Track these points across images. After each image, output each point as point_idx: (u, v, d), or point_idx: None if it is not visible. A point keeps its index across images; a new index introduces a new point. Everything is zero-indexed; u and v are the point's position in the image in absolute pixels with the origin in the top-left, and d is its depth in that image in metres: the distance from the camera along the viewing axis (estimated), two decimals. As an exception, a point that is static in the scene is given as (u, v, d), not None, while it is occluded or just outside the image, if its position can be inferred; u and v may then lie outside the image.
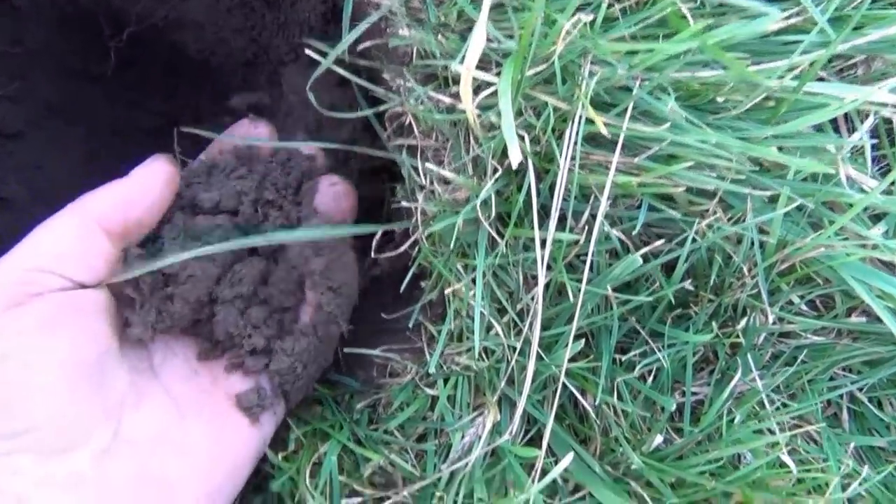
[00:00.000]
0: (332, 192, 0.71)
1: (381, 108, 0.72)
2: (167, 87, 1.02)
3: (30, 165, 0.93)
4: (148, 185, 0.54)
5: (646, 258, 0.65)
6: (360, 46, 0.75)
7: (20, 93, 0.92)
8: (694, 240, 0.64)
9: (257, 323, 0.65)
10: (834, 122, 0.71)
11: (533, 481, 0.62)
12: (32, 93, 0.94)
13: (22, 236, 0.89)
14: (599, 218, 0.61)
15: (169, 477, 0.50)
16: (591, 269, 0.65)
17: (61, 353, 0.47)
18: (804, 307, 0.70)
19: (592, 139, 0.66)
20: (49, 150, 0.95)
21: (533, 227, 0.62)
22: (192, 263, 0.60)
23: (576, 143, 0.62)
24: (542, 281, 0.61)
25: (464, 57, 0.57)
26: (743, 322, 0.69)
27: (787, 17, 0.64)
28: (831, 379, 0.73)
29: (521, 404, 0.62)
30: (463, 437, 0.68)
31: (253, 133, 0.71)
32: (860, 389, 0.73)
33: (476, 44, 0.56)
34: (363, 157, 0.89)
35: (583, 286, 0.62)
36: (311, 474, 0.71)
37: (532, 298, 0.66)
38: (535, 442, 0.70)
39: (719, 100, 0.65)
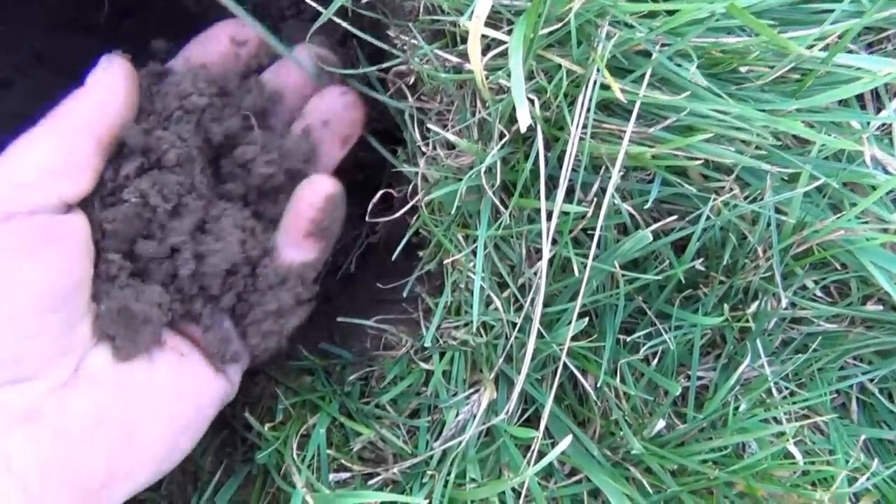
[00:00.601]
0: (342, 102, 0.67)
1: (385, 65, 0.68)
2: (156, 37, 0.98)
3: (16, 115, 0.89)
4: (114, 86, 0.50)
5: (656, 235, 0.62)
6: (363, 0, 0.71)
7: (7, 39, 0.89)
8: (708, 217, 0.61)
9: (216, 271, 0.59)
10: (860, 99, 0.67)
11: (528, 463, 0.59)
12: (20, 40, 0.90)
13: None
14: (610, 190, 0.58)
15: (130, 416, 0.48)
16: (598, 244, 0.62)
17: (32, 281, 0.44)
18: (818, 293, 0.67)
19: (606, 107, 0.62)
20: (37, 100, 0.91)
21: (539, 198, 0.58)
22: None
23: (589, 109, 0.58)
24: (546, 254, 0.58)
25: (472, 11, 0.53)
26: (754, 306, 0.66)
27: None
28: (842, 368, 0.70)
29: (520, 383, 0.60)
30: (457, 414, 0.65)
31: (240, 35, 0.65)
32: (871, 380, 0.71)
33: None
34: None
35: (589, 262, 0.59)
36: (298, 447, 0.68)
37: (535, 273, 0.62)
38: (531, 423, 0.67)
39: (742, 70, 0.61)
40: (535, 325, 0.59)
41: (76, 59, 0.94)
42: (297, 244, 0.60)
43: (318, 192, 0.58)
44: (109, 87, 0.52)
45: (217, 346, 0.58)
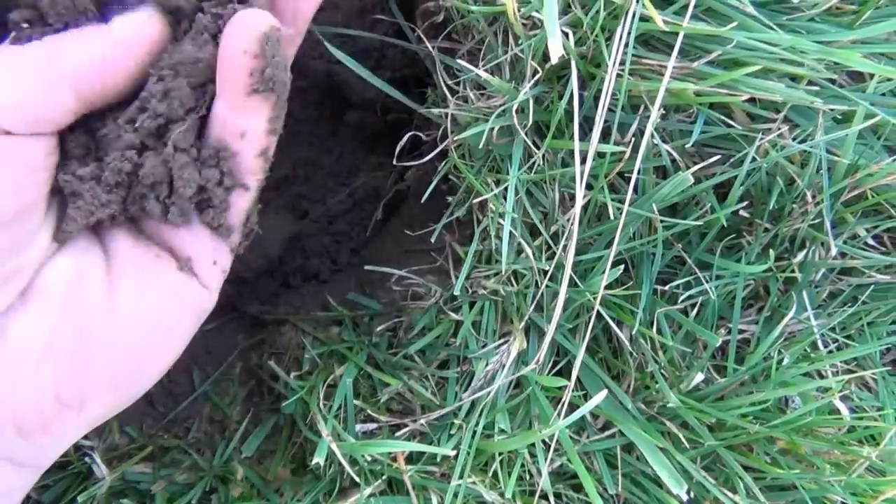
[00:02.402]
0: None
1: None
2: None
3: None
4: (132, 46, 0.44)
5: (697, 179, 0.58)
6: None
7: None
8: (753, 159, 0.57)
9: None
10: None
11: (559, 415, 0.57)
12: None
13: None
14: (649, 129, 0.55)
15: (83, 340, 0.44)
16: (635, 189, 0.59)
17: None
18: (870, 241, 0.63)
19: (646, 42, 0.58)
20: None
21: (573, 139, 0.55)
22: None
23: (627, 44, 0.55)
24: (579, 199, 0.55)
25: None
26: (801, 255, 0.62)
27: None
28: (894, 322, 0.66)
29: (550, 332, 0.57)
30: (487, 365, 0.63)
31: None
32: (925, 335, 0.67)
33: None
34: (393, 64, 0.83)
35: (625, 206, 0.56)
36: (325, 397, 0.67)
37: (568, 219, 0.60)
38: (563, 374, 0.65)
39: (794, 0, 0.57)
40: (567, 272, 0.57)
41: None
42: (241, 107, 0.47)
43: (249, 32, 0.44)
44: (127, 46, 0.46)
45: (191, 245, 0.50)
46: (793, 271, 0.63)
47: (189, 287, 0.48)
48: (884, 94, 0.58)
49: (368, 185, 0.84)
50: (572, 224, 0.57)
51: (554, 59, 0.49)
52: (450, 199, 0.68)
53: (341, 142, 0.90)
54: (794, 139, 0.59)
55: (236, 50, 0.44)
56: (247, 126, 0.47)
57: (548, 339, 0.57)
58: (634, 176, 0.56)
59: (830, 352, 0.64)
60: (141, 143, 0.45)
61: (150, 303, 0.47)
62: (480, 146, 0.62)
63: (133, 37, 0.43)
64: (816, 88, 0.55)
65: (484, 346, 0.65)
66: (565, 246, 0.60)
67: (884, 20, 0.56)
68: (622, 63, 0.55)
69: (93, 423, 0.46)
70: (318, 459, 0.59)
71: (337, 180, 0.88)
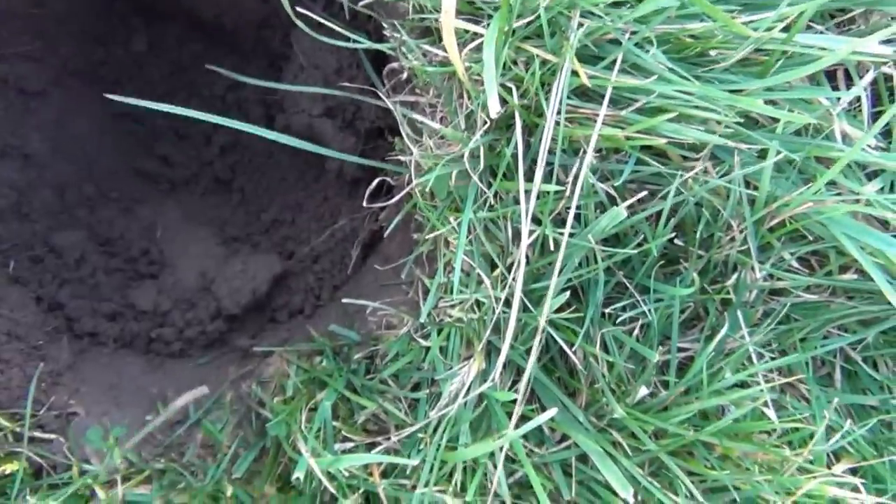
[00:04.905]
0: None
1: (378, 46, 0.73)
2: (182, 50, 1.04)
3: (51, 123, 0.96)
4: None
5: (633, 212, 0.65)
6: (361, 3, 0.76)
7: (42, 53, 0.96)
8: (682, 192, 0.64)
9: None
10: (832, 78, 0.70)
11: (514, 427, 0.63)
12: (54, 53, 0.97)
13: (44, 192, 0.93)
14: (584, 171, 0.62)
15: None
16: (577, 221, 0.66)
17: None
18: (796, 264, 0.70)
19: (583, 93, 0.66)
20: (70, 108, 0.99)
21: (519, 181, 0.63)
22: None
23: (563, 95, 0.62)
24: (525, 232, 0.62)
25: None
26: (733, 278, 0.69)
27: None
28: (825, 338, 0.72)
29: (504, 352, 0.64)
30: (451, 384, 0.69)
31: None
32: (854, 348, 0.73)
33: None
34: (368, 117, 0.91)
35: (564, 238, 0.63)
36: (306, 419, 0.73)
37: (526, 257, 0.67)
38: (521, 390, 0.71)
39: (712, 53, 0.65)
40: (517, 295, 0.63)
41: (103, 70, 1.02)
42: None
43: None
44: None
45: None
46: (727, 293, 0.69)
47: None
48: (799, 133, 0.65)
49: (348, 226, 0.91)
50: (520, 254, 0.64)
51: (493, 115, 0.56)
52: (416, 236, 0.75)
53: (324, 187, 0.97)
54: (718, 173, 0.66)
55: None
56: None
57: (501, 358, 0.64)
58: (573, 211, 0.63)
59: (767, 363, 0.70)
60: None
61: None
62: (441, 188, 0.69)
63: None
64: (731, 130, 0.62)
65: (450, 369, 0.71)
66: (515, 274, 0.66)
67: (791, 68, 0.63)
68: (559, 112, 0.63)
69: None
70: (299, 475, 0.65)
71: (320, 223, 0.96)
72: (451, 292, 0.73)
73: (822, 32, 0.67)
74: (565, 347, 0.67)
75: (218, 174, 1.03)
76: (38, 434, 0.74)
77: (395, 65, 0.74)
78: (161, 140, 1.03)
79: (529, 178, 0.63)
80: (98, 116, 1.01)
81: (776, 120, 0.67)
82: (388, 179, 0.77)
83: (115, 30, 1.02)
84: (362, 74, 0.88)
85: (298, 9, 0.75)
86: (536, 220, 0.66)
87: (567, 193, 0.63)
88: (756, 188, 0.66)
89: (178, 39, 1.04)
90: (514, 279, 0.65)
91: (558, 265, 0.62)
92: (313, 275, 0.92)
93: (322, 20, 0.74)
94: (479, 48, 0.65)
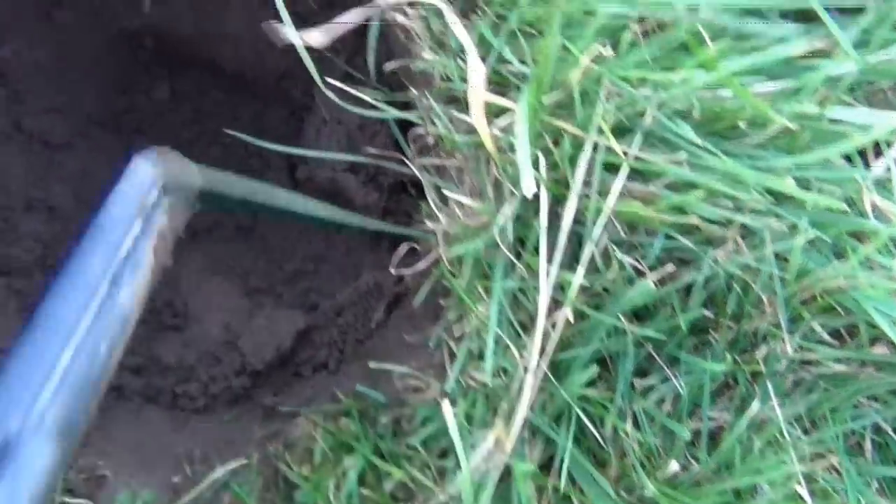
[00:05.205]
0: None
1: (405, 116, 0.73)
2: (203, 98, 1.05)
3: (76, 174, 0.97)
4: None
5: (662, 283, 0.65)
6: (388, 68, 0.76)
7: (67, 105, 0.97)
8: (712, 267, 0.63)
9: None
10: (861, 151, 0.69)
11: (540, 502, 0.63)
12: (78, 104, 0.98)
13: (70, 244, 0.94)
14: (589, 248, 0.62)
15: None
16: (606, 291, 0.66)
17: None
18: (826, 336, 0.69)
19: (612, 165, 0.66)
20: (94, 159, 0.99)
21: (541, 259, 0.62)
22: None
23: (591, 169, 0.62)
24: (542, 311, 0.62)
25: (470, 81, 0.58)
26: (763, 350, 0.68)
27: (811, 41, 0.63)
28: (855, 408, 0.71)
29: (519, 419, 0.63)
30: (478, 455, 0.69)
31: None
32: (885, 420, 0.72)
33: (474, 69, 0.56)
34: (392, 171, 0.91)
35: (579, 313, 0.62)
36: (335, 486, 0.73)
37: (553, 325, 0.66)
38: (553, 461, 0.71)
39: (741, 125, 0.64)
40: (532, 368, 0.63)
41: (126, 118, 1.03)
42: None
43: None
44: None
45: None
46: (757, 364, 0.68)
47: None
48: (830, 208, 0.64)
49: (371, 281, 0.91)
50: (537, 332, 0.64)
51: (528, 195, 0.56)
52: (443, 301, 0.74)
53: (346, 238, 0.98)
54: (749, 245, 0.65)
55: None
56: None
57: (516, 426, 0.63)
58: (598, 286, 0.62)
59: (799, 439, 0.69)
60: None
61: None
62: (469, 257, 0.69)
63: None
64: (762, 207, 0.61)
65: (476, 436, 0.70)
66: (543, 346, 0.66)
67: (822, 141, 0.63)
68: (587, 184, 0.62)
69: None
70: (327, 548, 0.65)
71: (343, 274, 0.96)
72: (480, 357, 0.72)
73: (850, 104, 0.66)
74: (588, 424, 0.67)
75: (240, 222, 1.04)
76: (67, 500, 0.74)
77: (420, 130, 0.74)
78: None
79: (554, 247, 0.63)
80: (121, 165, 1.01)
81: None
82: (415, 244, 0.77)
83: (138, 78, 1.02)
84: (386, 129, 0.89)
85: (327, 79, 0.75)
86: (562, 287, 0.66)
87: (584, 261, 0.63)
88: (787, 259, 0.66)
89: (200, 87, 1.04)
90: (534, 351, 0.65)
91: (585, 349, 0.62)
92: (337, 328, 0.92)
93: (346, 88, 0.73)
94: (505, 113, 0.65)
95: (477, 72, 0.55)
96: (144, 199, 0.46)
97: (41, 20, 0.89)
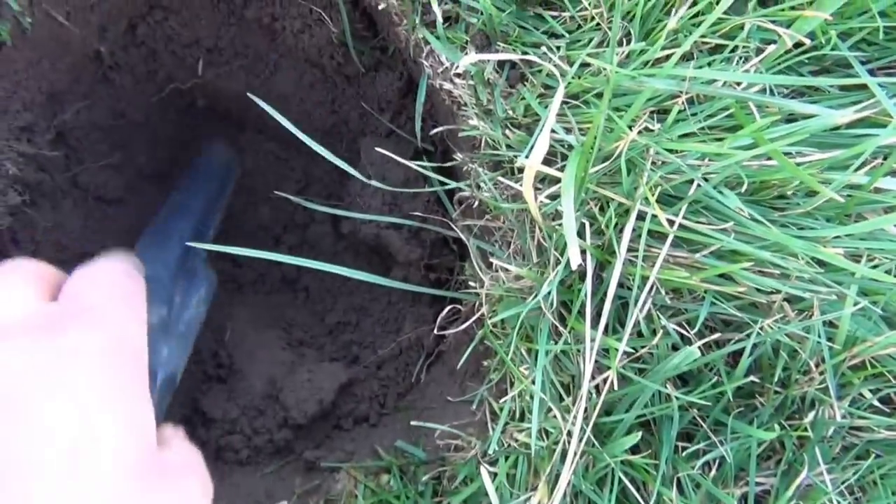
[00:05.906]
0: None
1: (450, 185, 0.75)
2: (252, 155, 1.08)
3: (129, 229, 1.00)
4: None
5: (708, 348, 0.65)
6: (433, 132, 0.78)
7: (121, 161, 1.00)
8: (759, 333, 0.63)
9: None
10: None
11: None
12: (131, 160, 1.01)
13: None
14: (634, 314, 0.62)
15: None
16: (651, 355, 0.66)
17: None
18: (877, 402, 0.68)
19: (657, 233, 0.66)
20: (145, 213, 1.02)
21: (599, 318, 0.63)
22: None
23: (637, 237, 0.62)
24: (586, 379, 0.62)
25: (530, 152, 0.59)
26: (811, 415, 0.67)
27: (860, 111, 0.63)
28: (906, 475, 0.70)
29: (563, 483, 0.63)
30: (520, 518, 0.69)
31: None
32: (938, 488, 0.71)
33: (541, 146, 0.57)
34: (434, 228, 0.92)
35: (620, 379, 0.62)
36: (376, 546, 0.73)
37: (596, 389, 0.66)
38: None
39: (788, 193, 0.65)
40: (575, 434, 0.63)
41: (176, 173, 1.06)
42: None
43: None
44: None
45: None
46: (805, 430, 0.68)
47: None
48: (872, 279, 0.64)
49: (413, 335, 0.92)
50: (581, 399, 0.64)
51: (574, 266, 0.57)
52: (486, 363, 0.75)
53: (388, 291, 0.99)
54: (796, 313, 0.65)
55: None
56: None
57: (559, 490, 0.63)
58: (643, 351, 0.62)
59: (847, 505, 0.68)
60: None
61: None
62: (512, 320, 0.69)
63: None
64: (808, 276, 0.61)
65: (518, 498, 0.70)
66: (587, 411, 0.66)
67: (871, 209, 0.63)
68: (630, 251, 0.63)
69: None
70: None
71: (385, 327, 0.97)
72: (522, 418, 0.73)
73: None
74: (631, 487, 0.66)
75: (285, 273, 1.05)
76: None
77: (465, 193, 0.75)
78: (231, 242, 1.05)
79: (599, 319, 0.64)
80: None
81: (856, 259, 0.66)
82: (459, 306, 0.78)
83: (189, 136, 1.05)
84: (428, 186, 0.90)
85: (376, 147, 0.77)
86: (606, 350, 0.66)
87: (629, 327, 0.63)
88: (835, 325, 0.66)
89: (251, 145, 1.07)
90: (579, 416, 0.65)
91: (629, 414, 0.62)
92: (378, 381, 0.93)
93: (392, 155, 0.75)
94: (552, 184, 0.66)
95: (541, 148, 0.56)
96: None
97: (100, 82, 0.92)
